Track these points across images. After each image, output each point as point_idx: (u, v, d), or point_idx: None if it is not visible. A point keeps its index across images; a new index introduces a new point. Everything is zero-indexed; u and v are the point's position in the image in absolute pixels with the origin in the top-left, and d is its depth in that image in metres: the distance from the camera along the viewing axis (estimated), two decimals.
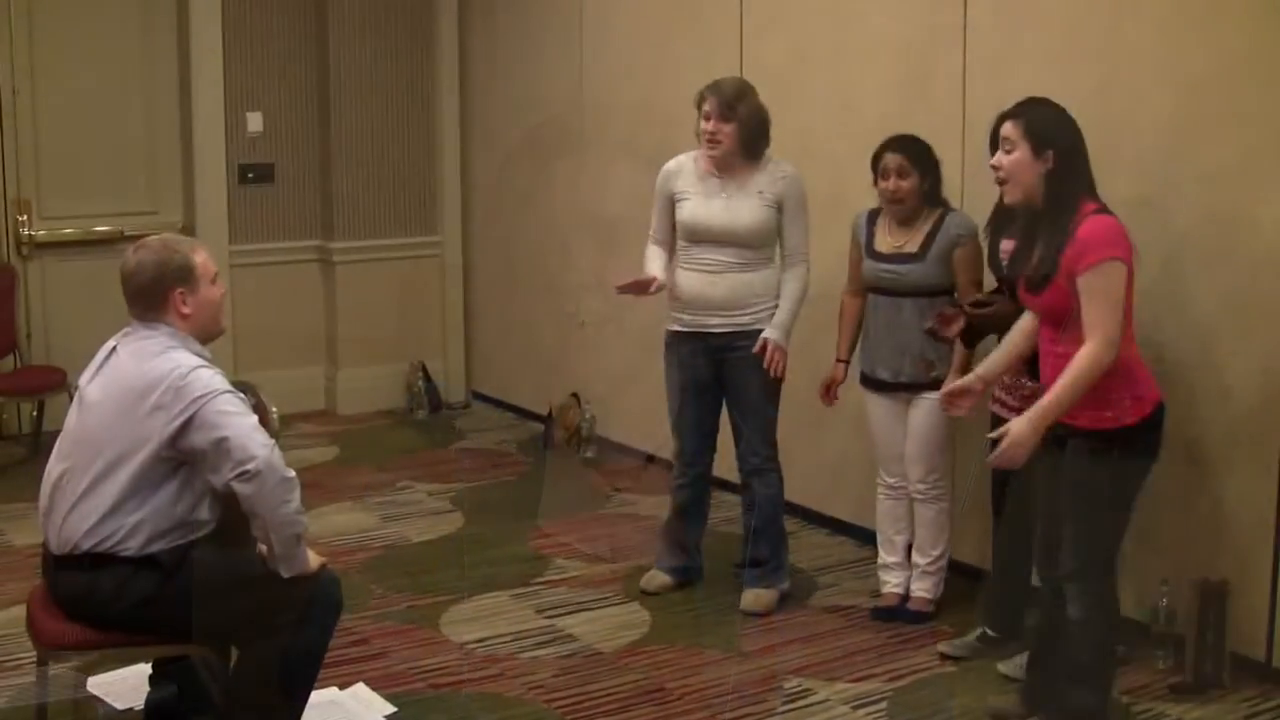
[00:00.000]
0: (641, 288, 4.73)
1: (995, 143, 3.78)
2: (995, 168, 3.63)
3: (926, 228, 4.53)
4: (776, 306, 4.73)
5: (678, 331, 4.85)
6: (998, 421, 4.27)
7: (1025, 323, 3.78)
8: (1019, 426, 3.49)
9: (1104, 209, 3.54)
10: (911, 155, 4.50)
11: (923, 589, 4.72)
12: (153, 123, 7.36)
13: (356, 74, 7.59)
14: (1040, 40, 4.64)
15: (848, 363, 4.80)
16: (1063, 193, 3.53)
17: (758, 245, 4.70)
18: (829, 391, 4.83)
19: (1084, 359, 3.45)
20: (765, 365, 4.68)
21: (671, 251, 4.87)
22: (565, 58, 7.06)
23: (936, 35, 5.02)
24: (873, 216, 4.67)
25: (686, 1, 6.23)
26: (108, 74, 7.19)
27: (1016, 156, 3.57)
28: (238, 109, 7.43)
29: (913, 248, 4.52)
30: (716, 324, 4.74)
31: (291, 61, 7.56)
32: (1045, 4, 4.63)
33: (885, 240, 4.59)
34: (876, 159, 4.55)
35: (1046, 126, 3.55)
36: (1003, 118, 3.78)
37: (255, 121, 7.50)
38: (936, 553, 4.69)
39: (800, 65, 5.62)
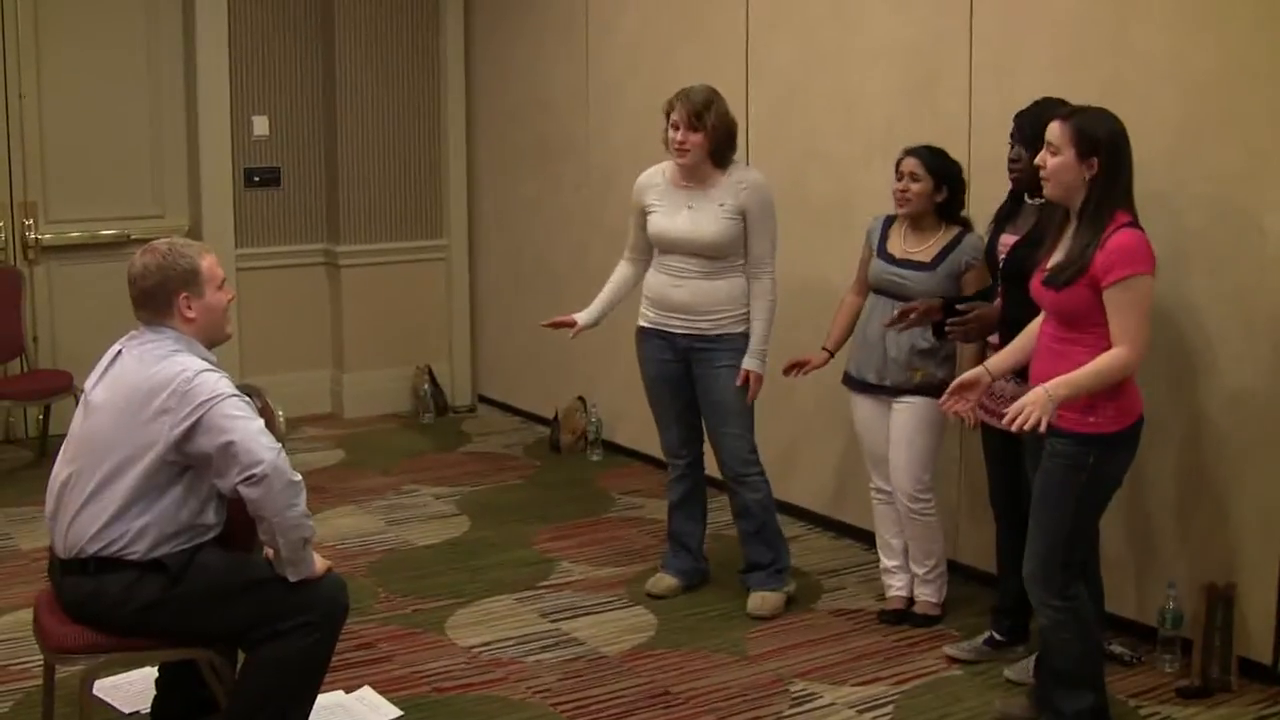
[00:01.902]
0: (563, 325, 4.98)
1: (1025, 139, 3.85)
2: (1039, 166, 3.62)
3: (943, 242, 4.52)
4: (741, 314, 4.76)
5: (644, 328, 4.93)
6: (985, 427, 4.31)
7: (1037, 326, 3.78)
8: (1036, 392, 3.45)
9: (1135, 222, 3.55)
10: (926, 162, 4.49)
11: (926, 594, 4.73)
12: (159, 126, 7.36)
13: (363, 77, 7.60)
14: (1046, 43, 4.64)
15: (831, 354, 4.81)
16: (1102, 200, 3.53)
17: (722, 255, 4.73)
18: (798, 368, 4.82)
19: (1115, 359, 3.47)
20: (748, 398, 4.77)
21: (644, 266, 4.94)
22: (571, 62, 7.06)
23: (942, 38, 5.02)
24: (889, 221, 4.67)
25: (692, 5, 6.23)
26: (114, 78, 7.20)
27: (1061, 160, 3.55)
28: (244, 112, 7.44)
29: (925, 257, 4.52)
30: (677, 325, 4.80)
31: (298, 65, 7.57)
32: (1051, 7, 4.63)
33: (899, 245, 4.59)
34: (898, 164, 4.56)
35: (1095, 133, 3.53)
36: (1023, 115, 3.82)
37: (261, 125, 7.51)
38: (931, 563, 4.70)
39: (805, 68, 5.62)
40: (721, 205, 4.70)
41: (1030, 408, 3.42)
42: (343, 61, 7.54)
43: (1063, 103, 3.88)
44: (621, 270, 5.02)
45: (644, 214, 4.86)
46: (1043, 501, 3.63)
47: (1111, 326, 3.48)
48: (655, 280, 4.85)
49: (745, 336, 4.77)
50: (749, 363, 4.75)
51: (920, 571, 4.71)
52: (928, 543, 4.67)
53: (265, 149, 7.55)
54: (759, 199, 4.73)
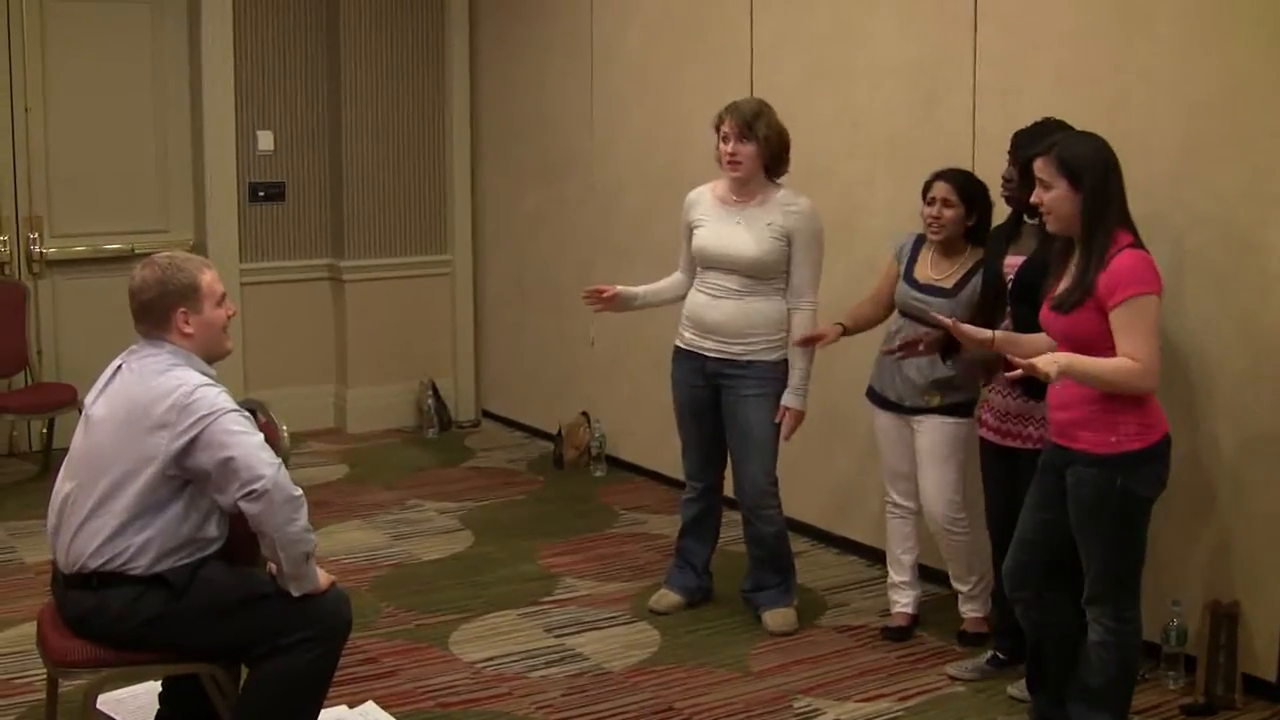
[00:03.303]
0: (598, 294, 4.88)
1: (1025, 169, 3.82)
2: (1036, 203, 3.63)
3: (966, 267, 4.49)
4: (776, 342, 4.71)
5: (679, 349, 4.89)
6: (984, 444, 4.34)
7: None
8: (1048, 356, 3.50)
9: (1137, 242, 3.56)
10: (958, 187, 4.46)
11: (973, 610, 4.69)
12: (164, 140, 7.39)
13: (368, 92, 7.62)
14: (1050, 62, 4.65)
15: (844, 330, 4.68)
16: (1097, 222, 3.54)
17: (762, 276, 4.68)
18: (813, 340, 4.67)
19: (1128, 367, 3.46)
20: (785, 436, 4.75)
21: (692, 278, 4.89)
22: (575, 78, 7.08)
23: (946, 56, 5.03)
24: (919, 241, 4.64)
25: (697, 22, 6.24)
26: (119, 92, 7.22)
27: (1055, 193, 3.56)
28: (249, 127, 7.46)
29: (948, 284, 4.50)
30: (710, 348, 4.76)
31: (303, 79, 7.59)
32: (1055, 25, 4.64)
33: (924, 270, 4.57)
34: (927, 187, 4.53)
35: (1078, 159, 3.55)
36: (1022, 134, 3.87)
37: (266, 140, 7.53)
38: (975, 578, 4.66)
39: (810, 86, 5.63)
40: (769, 224, 4.65)
41: (1042, 363, 3.45)
42: (348, 76, 7.56)
43: (1062, 124, 3.91)
44: (674, 276, 4.95)
45: (690, 230, 4.83)
46: (1080, 529, 3.63)
47: (1118, 347, 3.48)
48: (694, 299, 4.80)
49: (777, 365, 4.71)
50: (790, 399, 4.71)
51: (964, 589, 4.68)
52: (968, 559, 4.63)
53: (270, 164, 7.56)
54: (808, 226, 4.67)
